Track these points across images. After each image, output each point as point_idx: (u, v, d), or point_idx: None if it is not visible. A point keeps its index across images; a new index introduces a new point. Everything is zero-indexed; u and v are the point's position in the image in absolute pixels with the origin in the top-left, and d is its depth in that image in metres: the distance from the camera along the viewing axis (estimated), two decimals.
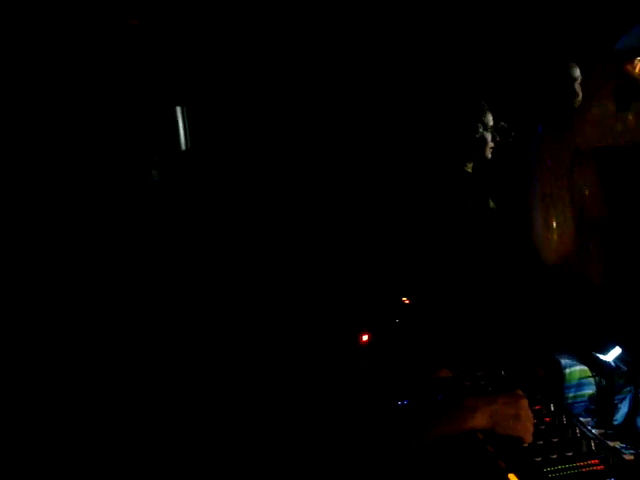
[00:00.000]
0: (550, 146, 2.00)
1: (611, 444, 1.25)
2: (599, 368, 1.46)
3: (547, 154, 1.99)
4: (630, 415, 1.45)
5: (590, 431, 1.23)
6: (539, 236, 1.87)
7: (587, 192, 1.84)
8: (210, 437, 1.05)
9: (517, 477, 1.03)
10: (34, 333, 1.33)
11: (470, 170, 2.07)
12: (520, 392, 1.16)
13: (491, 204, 2.08)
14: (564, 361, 1.46)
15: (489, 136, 2.05)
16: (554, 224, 1.86)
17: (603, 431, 1.38)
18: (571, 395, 1.45)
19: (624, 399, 1.46)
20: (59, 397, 1.21)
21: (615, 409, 1.45)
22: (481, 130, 2.02)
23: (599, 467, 1.06)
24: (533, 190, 1.99)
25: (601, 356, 1.45)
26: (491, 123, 2.06)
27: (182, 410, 1.07)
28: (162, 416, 1.10)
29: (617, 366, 1.48)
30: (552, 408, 1.28)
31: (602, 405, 1.46)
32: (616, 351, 1.42)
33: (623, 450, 1.28)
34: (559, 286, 1.62)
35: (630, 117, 1.85)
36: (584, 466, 1.06)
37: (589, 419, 1.43)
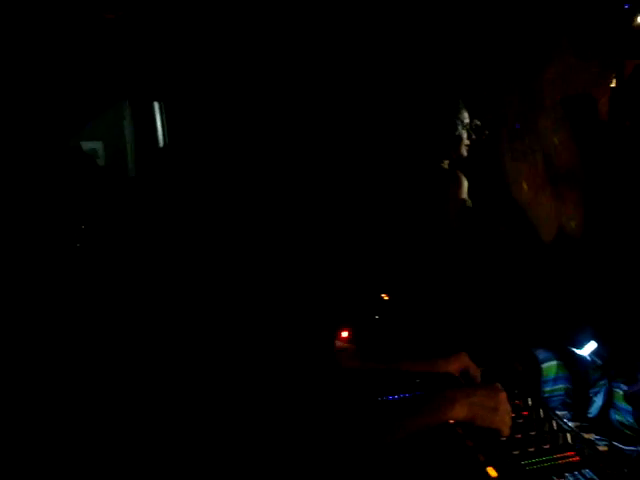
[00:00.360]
0: (516, 108, 2.04)
1: (586, 436, 1.28)
2: (575, 362, 1.49)
3: (513, 116, 2.03)
4: (604, 408, 1.48)
5: (566, 424, 1.25)
6: (520, 198, 1.91)
7: (557, 142, 1.88)
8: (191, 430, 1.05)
9: (495, 470, 1.04)
10: (24, 333, 1.31)
11: (447, 167, 2.09)
12: (499, 386, 1.17)
13: (468, 202, 2.10)
14: (541, 356, 1.48)
15: (465, 134, 2.08)
16: (528, 181, 1.91)
17: (579, 424, 1.41)
18: (548, 389, 1.47)
19: (599, 392, 1.48)
20: (56, 396, 1.20)
21: (590, 402, 1.48)
22: (459, 128, 2.04)
23: (575, 459, 1.08)
24: (505, 155, 2.03)
25: (577, 351, 1.47)
26: (467, 121, 2.08)
27: (169, 403, 1.07)
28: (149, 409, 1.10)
29: (592, 360, 1.50)
30: (529, 402, 1.30)
31: (578, 399, 1.48)
32: (591, 345, 1.45)
33: (597, 442, 1.32)
34: (537, 281, 1.64)
35: (593, 68, 1.91)
36: (560, 458, 1.09)
37: (565, 412, 1.46)
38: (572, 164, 1.84)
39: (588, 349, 1.45)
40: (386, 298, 1.84)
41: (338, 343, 1.53)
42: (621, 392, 1.44)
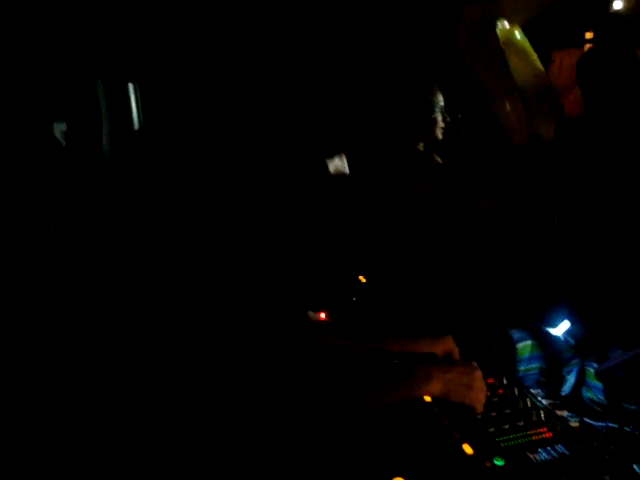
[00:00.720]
0: (481, 53, 2.09)
1: (559, 413, 1.31)
2: (549, 342, 1.51)
3: (480, 60, 2.08)
4: (577, 386, 1.51)
5: (540, 402, 1.28)
6: (508, 125, 1.98)
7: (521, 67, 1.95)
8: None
9: (471, 447, 1.06)
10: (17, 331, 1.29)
11: (422, 149, 2.09)
12: (475, 364, 1.19)
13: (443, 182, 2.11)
14: (516, 336, 1.51)
15: (440, 116, 2.08)
16: (508, 107, 2.00)
17: (552, 401, 1.44)
18: (522, 368, 1.50)
19: (571, 371, 1.51)
20: (50, 394, 1.19)
21: (563, 381, 1.51)
22: (435, 110, 2.04)
23: (547, 435, 1.11)
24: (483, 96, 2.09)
25: (551, 330, 1.50)
26: (442, 104, 2.09)
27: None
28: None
29: (566, 340, 1.54)
30: (504, 381, 1.32)
31: (551, 377, 1.51)
32: (565, 325, 1.48)
33: (569, 418, 1.35)
34: (512, 263, 1.67)
35: None
36: (534, 434, 1.11)
37: (539, 390, 1.49)
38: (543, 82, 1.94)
39: (562, 329, 1.47)
40: (363, 280, 1.85)
41: (323, 322, 1.54)
42: (592, 370, 1.47)
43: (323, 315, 1.61)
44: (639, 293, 1.49)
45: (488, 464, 1.01)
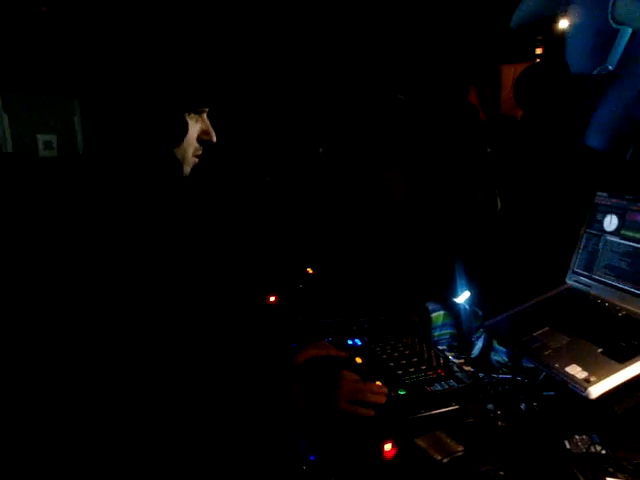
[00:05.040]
0: None
1: (466, 368, 1.61)
2: (458, 312, 1.83)
3: None
4: (485, 350, 1.82)
5: (446, 355, 1.58)
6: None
7: None
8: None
9: (381, 382, 1.35)
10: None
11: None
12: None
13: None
14: (431, 307, 1.82)
15: None
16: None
17: (462, 361, 1.75)
18: (436, 334, 1.81)
19: (479, 337, 1.83)
20: (47, 395, 1.16)
21: (473, 345, 1.82)
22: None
23: (442, 373, 1.41)
24: None
25: (456, 300, 1.82)
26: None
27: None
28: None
29: (474, 311, 1.85)
30: (416, 340, 1.62)
31: (461, 342, 1.83)
32: (466, 294, 1.79)
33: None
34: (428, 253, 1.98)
35: None
36: (432, 374, 1.41)
37: (453, 353, 1.79)
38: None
39: (463, 297, 1.79)
40: (310, 272, 2.14)
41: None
42: None
43: (273, 297, 1.90)
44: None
45: (393, 394, 1.31)
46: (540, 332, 1.57)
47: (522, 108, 2.18)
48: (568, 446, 1.31)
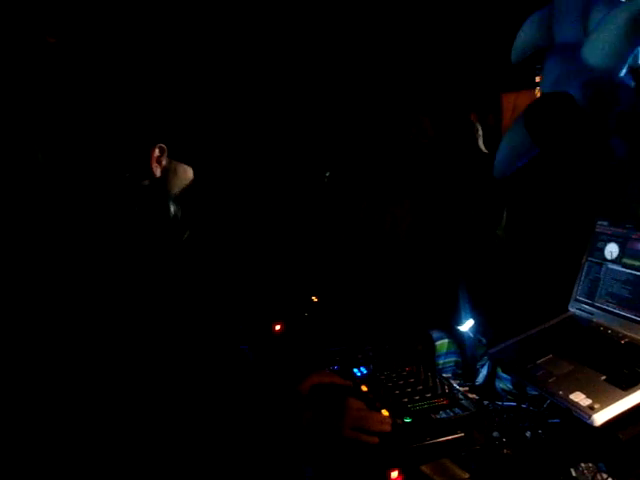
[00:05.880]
0: None
1: (470, 396, 1.62)
2: (462, 340, 1.85)
3: None
4: (490, 378, 1.83)
5: (451, 383, 1.59)
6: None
7: None
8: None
9: (387, 410, 1.37)
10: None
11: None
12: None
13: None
14: (435, 335, 1.84)
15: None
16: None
17: (467, 388, 1.76)
18: (441, 362, 1.83)
19: (484, 365, 1.84)
20: (46, 396, 1.16)
21: (477, 373, 1.83)
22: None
23: (446, 401, 1.42)
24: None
25: (460, 328, 1.83)
26: None
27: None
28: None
29: (478, 339, 1.87)
30: (422, 368, 1.63)
31: (466, 369, 1.84)
32: (470, 322, 1.81)
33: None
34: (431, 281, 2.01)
35: None
36: (437, 402, 1.42)
37: (458, 381, 1.81)
38: None
39: (467, 325, 1.81)
40: (315, 300, 2.17)
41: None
42: None
43: (279, 326, 1.92)
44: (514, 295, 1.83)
45: (399, 421, 1.32)
46: (544, 360, 1.58)
47: (537, 144, 2.18)
48: (574, 474, 1.31)
